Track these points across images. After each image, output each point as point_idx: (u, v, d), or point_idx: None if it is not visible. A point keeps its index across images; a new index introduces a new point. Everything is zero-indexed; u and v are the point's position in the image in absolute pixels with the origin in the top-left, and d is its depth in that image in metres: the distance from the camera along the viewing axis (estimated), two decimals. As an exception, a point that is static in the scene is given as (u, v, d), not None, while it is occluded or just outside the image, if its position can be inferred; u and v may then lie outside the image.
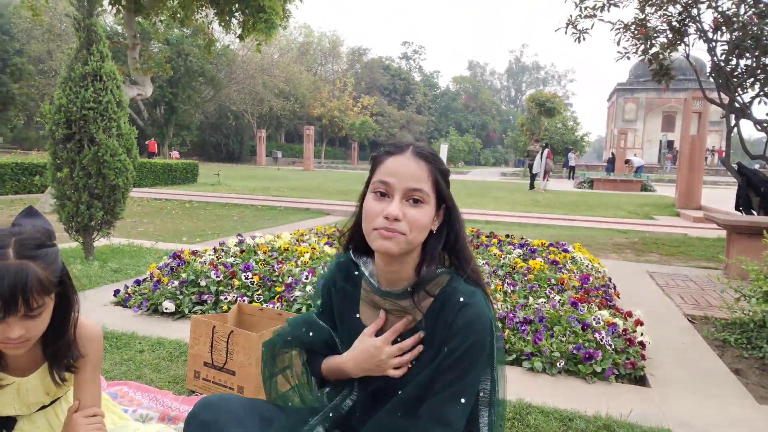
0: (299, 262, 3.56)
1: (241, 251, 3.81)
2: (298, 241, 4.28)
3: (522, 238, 4.74)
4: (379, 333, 1.12)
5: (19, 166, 10.69)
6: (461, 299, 1.03)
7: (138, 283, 3.42)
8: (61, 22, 30.30)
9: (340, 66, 57.09)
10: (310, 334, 1.22)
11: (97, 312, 3.10)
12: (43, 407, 1.37)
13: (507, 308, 2.93)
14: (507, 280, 3.41)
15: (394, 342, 1.10)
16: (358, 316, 1.17)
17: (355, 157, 42.27)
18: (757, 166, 8.80)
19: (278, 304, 3.00)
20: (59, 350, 1.26)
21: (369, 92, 52.48)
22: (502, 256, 3.98)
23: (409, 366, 1.08)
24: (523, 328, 2.69)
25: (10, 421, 1.31)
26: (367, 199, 1.06)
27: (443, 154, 37.40)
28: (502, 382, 1.09)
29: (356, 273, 1.18)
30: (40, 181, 10.24)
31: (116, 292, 3.35)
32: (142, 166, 13.46)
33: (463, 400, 1.00)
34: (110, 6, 9.19)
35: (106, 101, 4.17)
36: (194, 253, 3.82)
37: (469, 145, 48.41)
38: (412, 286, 1.07)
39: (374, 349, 1.09)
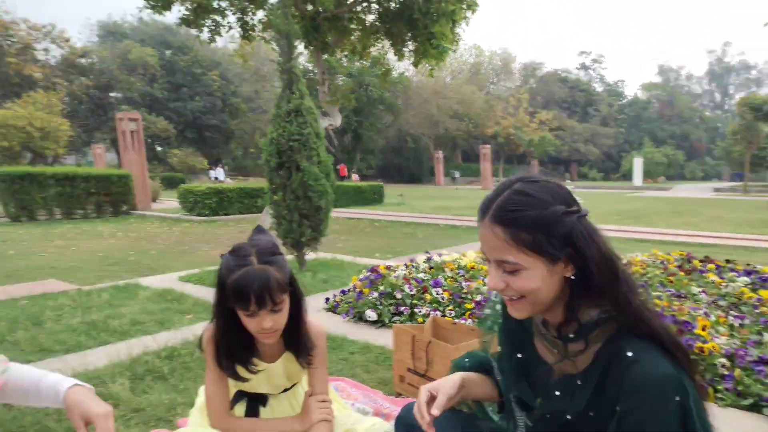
0: (486, 281, 3.56)
1: (430, 267, 3.97)
2: (483, 260, 4.28)
3: (748, 264, 4.04)
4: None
5: (242, 190, 12.93)
6: (629, 354, 0.88)
7: (344, 292, 3.79)
8: (263, 64, 35.44)
9: (513, 83, 55.90)
10: (466, 360, 1.26)
11: (313, 316, 3.47)
12: (286, 390, 1.64)
13: (735, 344, 2.53)
14: (732, 312, 2.95)
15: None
16: (533, 345, 1.09)
17: (535, 175, 40.64)
18: None
19: (470, 320, 3.06)
20: (299, 341, 1.52)
21: (546, 107, 50.28)
22: (723, 284, 3.46)
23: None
24: (758, 368, 2.30)
25: (263, 398, 1.60)
26: None
27: (637, 169, 33.66)
28: None
29: None
30: (261, 203, 12.13)
31: (327, 299, 3.77)
32: (336, 188, 14.94)
33: None
34: (303, 47, 10.42)
35: (307, 133, 4.73)
36: (388, 267, 4.08)
37: (669, 158, 42.97)
38: (575, 332, 0.96)
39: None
